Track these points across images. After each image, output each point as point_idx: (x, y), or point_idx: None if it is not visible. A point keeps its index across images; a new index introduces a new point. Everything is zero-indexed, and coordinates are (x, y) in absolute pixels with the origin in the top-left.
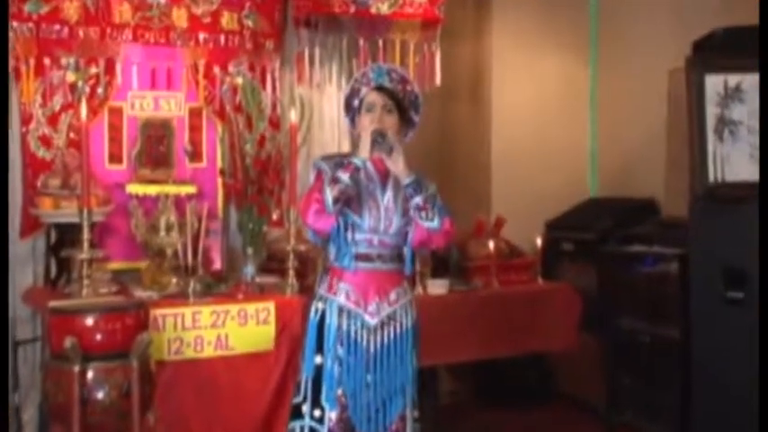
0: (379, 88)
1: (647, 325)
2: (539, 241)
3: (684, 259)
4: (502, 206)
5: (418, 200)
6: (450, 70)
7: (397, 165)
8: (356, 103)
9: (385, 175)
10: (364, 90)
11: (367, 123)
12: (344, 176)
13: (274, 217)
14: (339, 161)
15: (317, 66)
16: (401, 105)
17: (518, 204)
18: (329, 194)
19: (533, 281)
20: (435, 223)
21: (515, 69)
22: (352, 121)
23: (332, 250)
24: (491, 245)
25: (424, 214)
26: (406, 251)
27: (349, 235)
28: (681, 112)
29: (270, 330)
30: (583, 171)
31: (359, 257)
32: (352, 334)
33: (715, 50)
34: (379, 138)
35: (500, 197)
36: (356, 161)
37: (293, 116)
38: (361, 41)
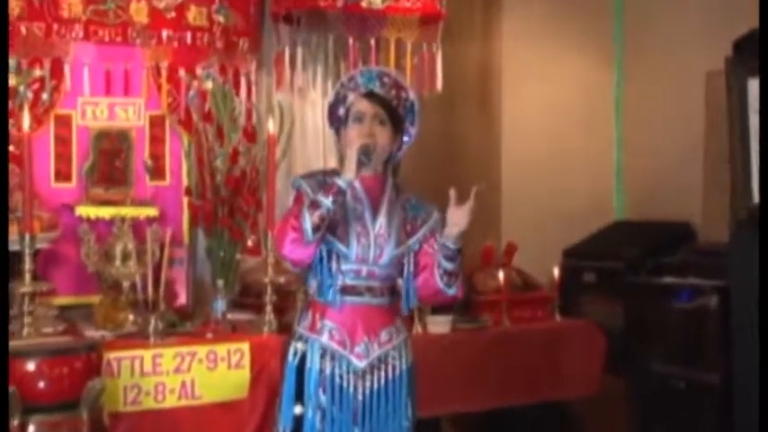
0: (370, 95)
1: (682, 368)
2: (556, 271)
3: (725, 292)
4: (513, 231)
5: (450, 267)
6: (454, 74)
7: (460, 220)
8: (342, 111)
9: (377, 197)
10: (352, 97)
11: (354, 136)
12: (326, 200)
13: (249, 243)
14: (322, 180)
15: (298, 68)
16: (395, 115)
17: (532, 229)
18: (308, 221)
19: (550, 317)
20: (454, 290)
21: (529, 73)
22: (338, 133)
23: (313, 283)
24: (501, 276)
25: (447, 280)
26: (403, 285)
27: (333, 265)
28: (720, 122)
29: (244, 375)
30: (607, 190)
31: (345, 290)
32: (337, 379)
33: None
34: (363, 157)
35: (511, 220)
36: (340, 182)
37: (271, 126)
38: (351, 40)
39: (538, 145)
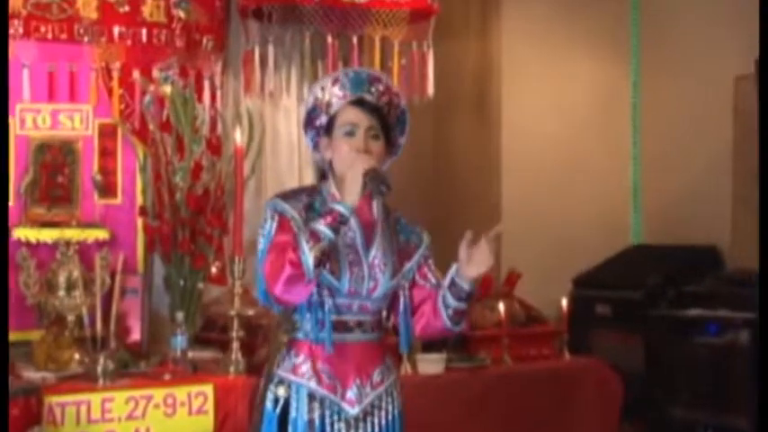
0: (360, 102)
1: (708, 413)
2: (565, 303)
3: (757, 326)
4: (516, 257)
5: (463, 307)
6: (447, 77)
7: (483, 261)
8: (323, 120)
9: (368, 221)
10: (337, 104)
11: (346, 152)
12: (326, 230)
13: (213, 270)
14: (307, 202)
15: (270, 70)
16: (388, 127)
17: (537, 254)
18: (308, 256)
19: (558, 355)
20: (462, 326)
21: (532, 76)
22: (315, 145)
23: (297, 319)
24: (501, 308)
25: (457, 318)
26: (400, 320)
27: (323, 300)
28: (751, 132)
29: (207, 422)
30: (623, 210)
31: (335, 327)
32: (327, 429)
33: None
34: (382, 186)
35: (513, 245)
36: (340, 208)
37: (239, 137)
38: (330, 38)
39: (543, 157)
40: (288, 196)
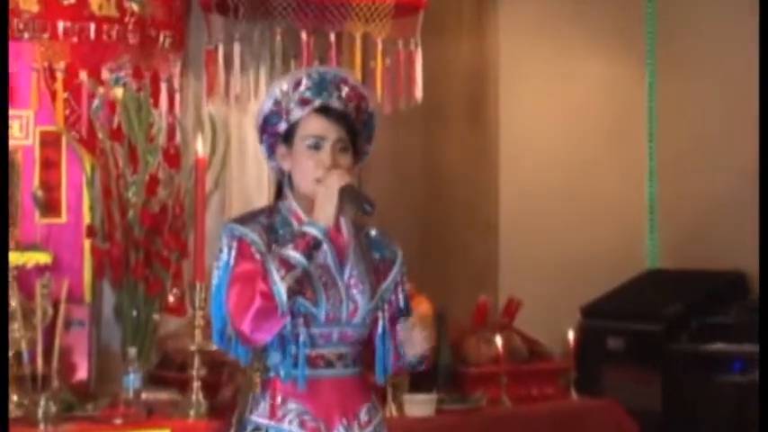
0: (325, 110)
1: None
2: (571, 335)
3: None
4: (515, 283)
5: (421, 360)
6: (438, 80)
7: (420, 344)
8: (282, 127)
9: (337, 238)
10: (299, 111)
11: (311, 167)
12: (298, 256)
13: (171, 299)
14: (267, 224)
15: (236, 71)
16: (356, 136)
17: (540, 280)
18: (281, 286)
19: (564, 395)
20: (422, 365)
21: (533, 79)
22: (271, 152)
23: (273, 356)
24: (499, 341)
25: (418, 363)
26: (377, 347)
27: (298, 331)
28: None
29: None
30: (637, 230)
31: (313, 362)
32: None
33: None
34: (363, 203)
35: (512, 270)
36: (313, 231)
37: (200, 147)
38: (304, 35)
39: (546, 171)
40: (245, 220)
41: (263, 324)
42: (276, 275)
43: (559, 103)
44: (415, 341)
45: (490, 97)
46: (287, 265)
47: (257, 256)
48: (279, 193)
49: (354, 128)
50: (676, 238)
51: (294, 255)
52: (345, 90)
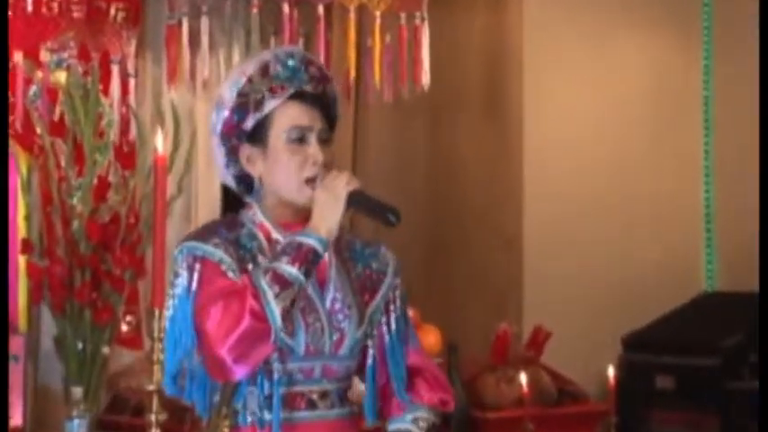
0: (301, 96)
1: None
2: (611, 372)
3: None
4: (542, 309)
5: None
6: (449, 62)
7: None
8: (250, 123)
9: (322, 263)
10: (272, 101)
11: (296, 168)
12: (295, 271)
13: (124, 328)
14: (233, 239)
15: (203, 51)
16: (333, 124)
17: (572, 305)
18: (275, 306)
19: None
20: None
21: (565, 63)
22: (233, 154)
23: (239, 397)
24: (524, 380)
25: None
26: (366, 382)
27: (273, 366)
28: None
29: None
30: (691, 245)
31: (291, 402)
32: None
33: None
34: (385, 212)
35: (540, 293)
36: (312, 242)
37: (160, 143)
38: (286, 7)
39: (581, 173)
40: (203, 236)
41: (250, 351)
42: (270, 293)
43: (596, 90)
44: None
45: (512, 83)
46: (281, 281)
47: (231, 276)
48: (232, 205)
49: (332, 115)
50: (737, 255)
51: (290, 270)
52: (314, 72)
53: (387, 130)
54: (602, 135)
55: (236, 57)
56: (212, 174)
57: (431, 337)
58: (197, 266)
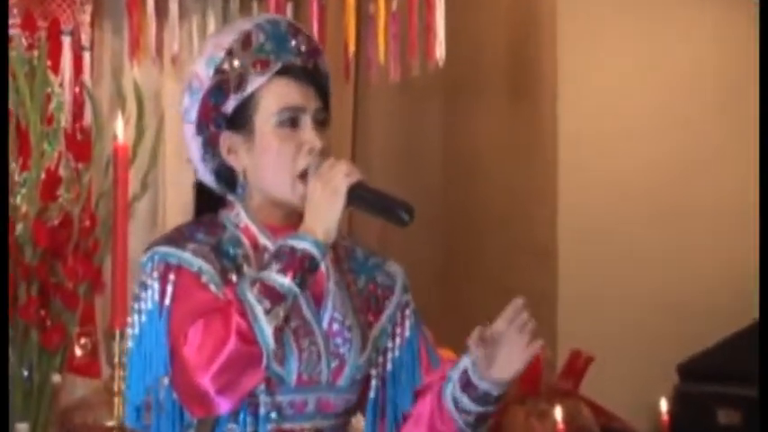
0: (289, 70)
1: None
2: (665, 406)
3: None
4: (582, 331)
5: (486, 411)
6: (468, 36)
7: (518, 358)
8: (231, 105)
9: (318, 275)
10: (257, 78)
11: (289, 154)
12: (287, 282)
13: (78, 353)
14: (214, 243)
15: (172, 20)
16: (327, 104)
17: (616, 327)
18: (265, 325)
19: None
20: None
21: (609, 34)
22: (211, 145)
23: None
24: (559, 415)
25: (479, 423)
26: (366, 419)
27: (260, 399)
28: None
29: None
30: (756, 261)
31: None
32: None
33: None
34: (397, 209)
35: (578, 312)
36: (308, 246)
37: (120, 129)
38: None
39: (626, 170)
40: (176, 240)
41: (237, 380)
42: (259, 309)
43: (646, 68)
44: (507, 356)
45: (544, 59)
46: (272, 294)
47: (212, 289)
48: (207, 205)
49: (327, 93)
50: None
51: (282, 280)
52: (302, 42)
53: (393, 116)
54: (654, 124)
55: (211, 27)
56: (183, 168)
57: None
58: (171, 277)
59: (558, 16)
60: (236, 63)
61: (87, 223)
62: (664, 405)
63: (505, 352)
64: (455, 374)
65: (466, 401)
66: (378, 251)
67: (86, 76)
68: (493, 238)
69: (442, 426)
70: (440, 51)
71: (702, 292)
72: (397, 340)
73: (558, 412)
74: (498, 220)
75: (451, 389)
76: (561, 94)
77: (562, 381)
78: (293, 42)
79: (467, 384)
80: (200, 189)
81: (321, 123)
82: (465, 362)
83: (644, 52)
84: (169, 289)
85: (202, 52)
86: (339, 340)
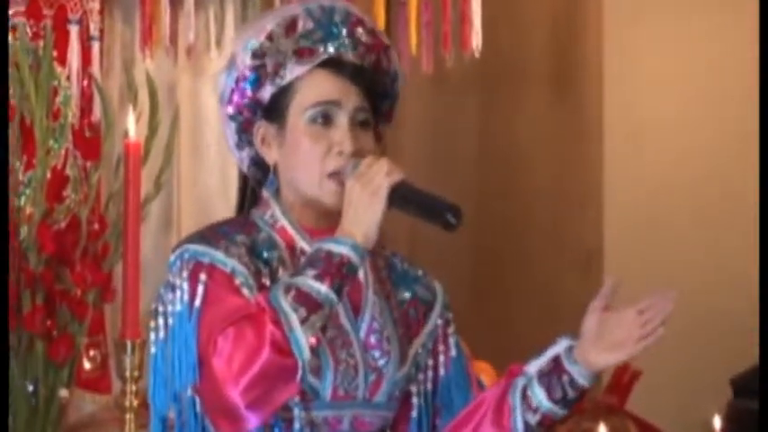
0: (334, 63)
1: None
2: (718, 423)
3: None
4: None
5: (557, 413)
6: (507, 25)
7: (626, 341)
8: (267, 94)
9: (356, 282)
10: (296, 68)
11: (319, 154)
12: (325, 289)
13: (87, 366)
14: (249, 244)
15: (188, 10)
16: (379, 103)
17: (665, 341)
18: (301, 335)
19: None
20: None
21: (657, 21)
22: (243, 137)
23: None
24: None
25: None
26: None
27: (294, 414)
28: None
29: None
30: None
31: None
32: None
33: None
34: (444, 211)
35: None
36: (346, 251)
37: (132, 126)
38: None
39: (678, 170)
40: (210, 238)
41: (270, 393)
42: (294, 318)
43: (704, 62)
44: (621, 334)
45: (588, 51)
46: (309, 302)
47: (246, 293)
48: (247, 199)
49: (377, 92)
50: None
51: (319, 287)
52: (361, 35)
53: (425, 111)
54: (708, 119)
55: (229, 15)
56: (199, 166)
57: (484, 378)
58: (202, 277)
59: (605, 11)
60: (275, 49)
61: (96, 226)
62: (717, 423)
63: (618, 334)
64: (533, 368)
65: (539, 394)
66: (410, 258)
67: (95, 68)
68: (534, 243)
69: (490, 427)
70: (476, 41)
71: (756, 300)
72: (441, 358)
73: (602, 430)
74: (539, 225)
75: (525, 381)
76: (607, 87)
77: (607, 396)
78: (348, 33)
79: (553, 369)
80: (245, 184)
81: (362, 124)
82: (557, 347)
83: (701, 46)
84: (200, 289)
85: (243, 33)
86: (377, 353)
